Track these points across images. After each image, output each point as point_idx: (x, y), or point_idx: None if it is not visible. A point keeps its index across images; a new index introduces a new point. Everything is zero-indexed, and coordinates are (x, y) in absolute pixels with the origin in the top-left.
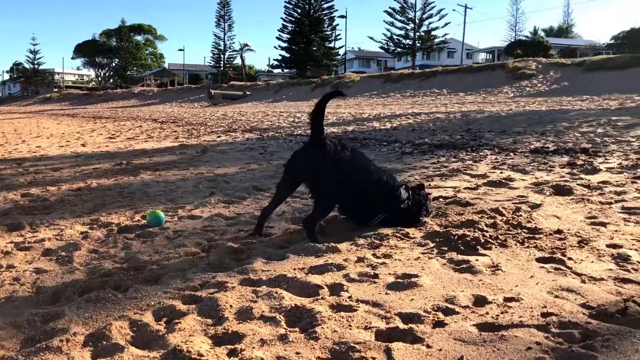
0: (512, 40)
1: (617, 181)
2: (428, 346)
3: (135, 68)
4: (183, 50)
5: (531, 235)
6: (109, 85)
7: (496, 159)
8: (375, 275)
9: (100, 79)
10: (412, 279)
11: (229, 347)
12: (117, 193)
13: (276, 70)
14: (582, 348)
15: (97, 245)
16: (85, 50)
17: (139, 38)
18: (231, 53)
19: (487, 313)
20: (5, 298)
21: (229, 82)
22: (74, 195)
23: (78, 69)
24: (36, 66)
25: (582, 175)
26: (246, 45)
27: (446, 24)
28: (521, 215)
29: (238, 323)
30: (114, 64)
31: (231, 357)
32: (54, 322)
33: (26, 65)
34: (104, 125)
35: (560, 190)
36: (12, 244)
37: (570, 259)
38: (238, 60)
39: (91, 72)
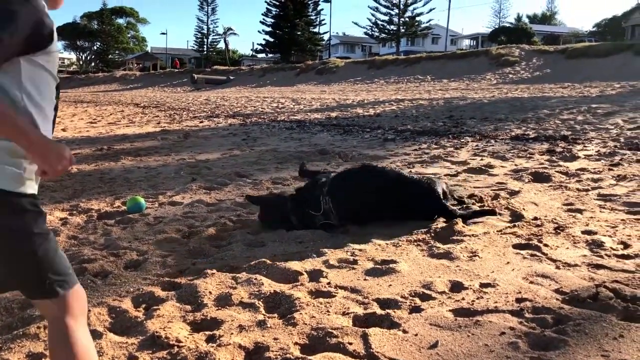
0: (496, 26)
1: (594, 168)
2: (404, 331)
3: (117, 52)
4: (166, 34)
5: (509, 222)
6: (91, 69)
7: (477, 145)
8: (355, 262)
9: (81, 62)
10: (391, 265)
11: (208, 333)
12: (97, 179)
13: (260, 55)
14: (554, 332)
15: (77, 231)
16: (66, 33)
17: (120, 21)
18: (214, 37)
19: (463, 299)
20: None
21: (174, 67)
22: (53, 181)
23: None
24: None
25: (561, 163)
26: (230, 29)
27: (430, 10)
28: (500, 202)
29: (217, 309)
30: (95, 48)
31: (209, 343)
32: (32, 309)
33: None
34: (85, 109)
35: (539, 177)
36: None
37: (546, 245)
38: (221, 45)
39: (72, 56)
